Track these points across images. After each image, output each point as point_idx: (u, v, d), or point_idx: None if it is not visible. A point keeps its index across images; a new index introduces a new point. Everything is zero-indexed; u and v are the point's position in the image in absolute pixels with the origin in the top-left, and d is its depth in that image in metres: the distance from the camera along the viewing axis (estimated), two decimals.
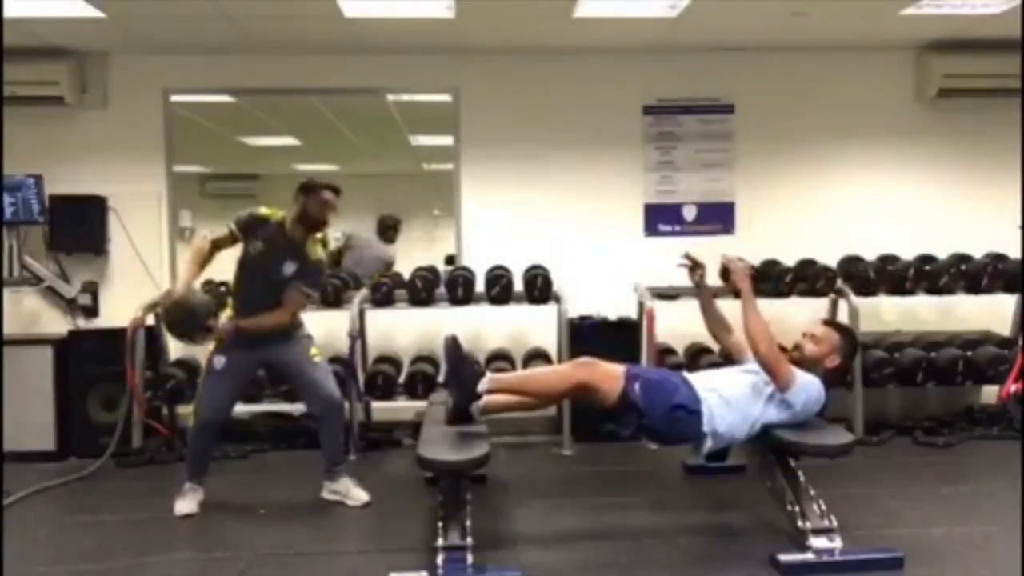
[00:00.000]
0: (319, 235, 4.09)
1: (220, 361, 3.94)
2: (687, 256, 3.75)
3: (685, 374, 3.58)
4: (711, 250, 5.52)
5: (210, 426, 4.03)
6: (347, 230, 6.31)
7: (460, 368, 3.39)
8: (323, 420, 4.08)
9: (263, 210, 4.02)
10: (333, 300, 5.05)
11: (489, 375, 3.43)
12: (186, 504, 3.96)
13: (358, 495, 4.07)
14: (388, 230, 6.50)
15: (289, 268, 3.94)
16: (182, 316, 3.83)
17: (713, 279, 5.38)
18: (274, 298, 3.96)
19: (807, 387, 3.39)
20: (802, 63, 5.76)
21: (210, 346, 4.01)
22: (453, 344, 3.44)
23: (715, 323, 3.80)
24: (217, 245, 3.98)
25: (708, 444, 3.39)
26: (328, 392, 4.06)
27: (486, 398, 3.38)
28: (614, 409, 3.35)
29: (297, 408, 5.17)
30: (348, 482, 4.11)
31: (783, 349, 3.49)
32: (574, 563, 3.30)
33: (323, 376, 4.10)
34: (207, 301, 3.99)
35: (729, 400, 3.38)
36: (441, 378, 3.46)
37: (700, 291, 3.79)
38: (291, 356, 4.06)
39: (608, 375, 3.36)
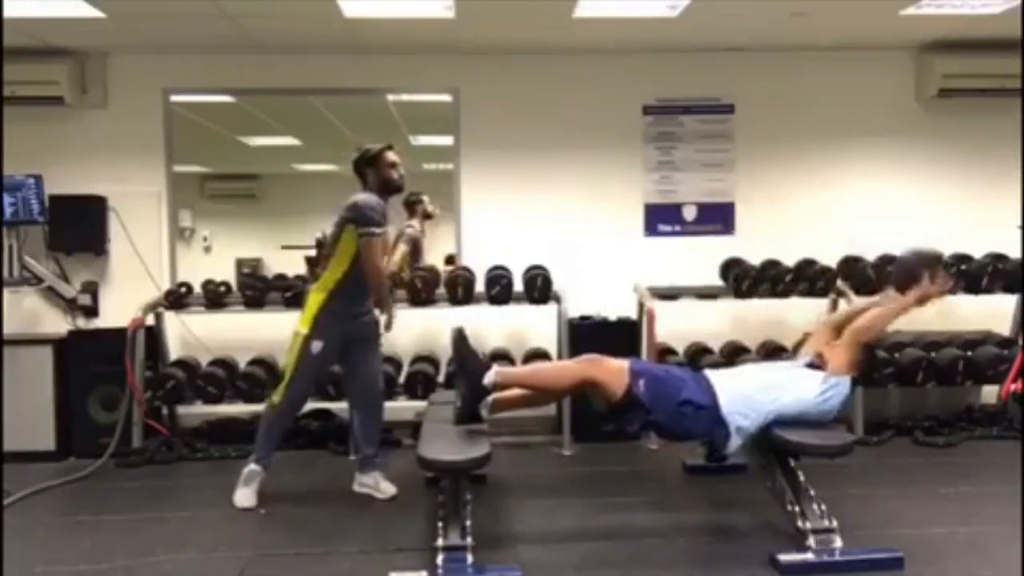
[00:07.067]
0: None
1: (318, 346, 3.97)
2: None
3: (707, 372, 3.50)
4: (711, 250, 5.62)
5: (296, 408, 4.17)
6: None
7: (467, 361, 3.41)
8: (368, 409, 4.17)
9: (362, 196, 3.92)
10: None
11: (495, 368, 3.46)
12: (247, 495, 3.99)
13: (387, 488, 4.14)
14: (412, 206, 5.94)
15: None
16: None
17: (713, 279, 5.47)
18: None
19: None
20: (802, 63, 5.75)
21: (303, 330, 3.97)
22: (460, 337, 3.46)
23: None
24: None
25: (736, 441, 3.38)
26: (380, 382, 4.19)
27: (494, 395, 3.40)
28: (620, 405, 3.35)
29: None
30: (378, 475, 4.18)
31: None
32: (574, 563, 3.30)
33: (380, 366, 4.24)
34: None
35: (750, 393, 3.36)
36: (442, 377, 3.46)
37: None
38: (368, 339, 4.14)
39: (613, 372, 3.35)
